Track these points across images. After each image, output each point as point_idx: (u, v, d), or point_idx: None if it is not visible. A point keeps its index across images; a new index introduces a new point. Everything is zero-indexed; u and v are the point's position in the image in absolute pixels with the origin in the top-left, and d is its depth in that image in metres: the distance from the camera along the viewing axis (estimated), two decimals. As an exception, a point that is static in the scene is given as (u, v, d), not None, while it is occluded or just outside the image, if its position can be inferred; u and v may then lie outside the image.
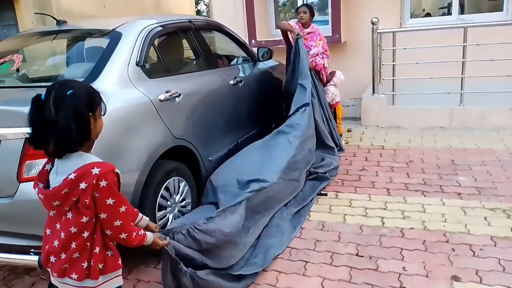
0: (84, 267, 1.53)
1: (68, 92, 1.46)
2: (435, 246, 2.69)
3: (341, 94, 6.49)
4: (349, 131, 5.39)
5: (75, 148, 1.49)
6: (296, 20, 4.70)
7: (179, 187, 2.91)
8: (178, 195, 2.90)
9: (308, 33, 4.63)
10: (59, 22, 3.27)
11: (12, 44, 3.43)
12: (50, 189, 1.51)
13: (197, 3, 21.78)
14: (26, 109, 2.15)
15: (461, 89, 5.11)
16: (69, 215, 1.51)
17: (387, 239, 2.81)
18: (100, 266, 1.55)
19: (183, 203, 2.96)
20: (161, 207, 2.72)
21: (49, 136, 1.46)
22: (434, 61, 5.15)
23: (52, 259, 1.56)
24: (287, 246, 2.81)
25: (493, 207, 3.15)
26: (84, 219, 1.49)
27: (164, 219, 2.76)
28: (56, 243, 1.54)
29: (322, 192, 3.60)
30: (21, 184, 2.19)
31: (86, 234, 1.51)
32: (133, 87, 2.65)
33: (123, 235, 1.57)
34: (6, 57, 2.98)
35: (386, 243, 2.77)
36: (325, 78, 4.79)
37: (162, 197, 2.72)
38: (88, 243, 1.53)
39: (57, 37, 3.26)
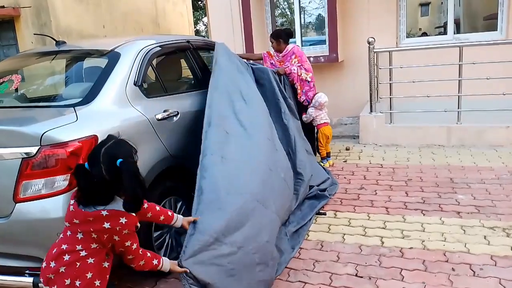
0: (66, 283, 1.64)
1: (119, 162, 1.67)
2: (435, 266, 2.66)
3: (339, 112, 6.59)
4: (347, 149, 5.39)
5: (141, 204, 1.79)
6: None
7: (176, 207, 2.89)
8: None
9: (283, 56, 4.77)
10: (58, 43, 3.30)
11: (12, 64, 3.45)
12: (82, 209, 1.69)
13: (196, 23, 22.07)
14: (24, 129, 2.19)
15: (458, 107, 5.14)
16: (80, 235, 1.69)
17: (387, 259, 2.78)
18: None
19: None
20: (158, 227, 2.69)
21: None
22: (430, 80, 5.20)
23: (43, 264, 1.71)
24: (286, 267, 2.78)
25: (493, 225, 3.13)
26: (94, 245, 1.70)
27: (161, 239, 2.73)
28: (54, 250, 1.71)
29: (321, 211, 3.58)
30: (17, 204, 2.18)
31: (83, 254, 1.68)
32: (130, 107, 2.66)
33: (141, 262, 1.86)
34: (5, 77, 3.00)
35: (385, 263, 2.74)
36: (299, 88, 4.69)
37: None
38: (79, 263, 1.66)
39: (56, 57, 3.29)
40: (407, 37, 6.53)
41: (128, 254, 1.81)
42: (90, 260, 1.68)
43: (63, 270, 1.65)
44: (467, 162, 4.54)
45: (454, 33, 6.26)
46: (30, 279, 2.20)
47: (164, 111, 2.88)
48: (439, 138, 5.22)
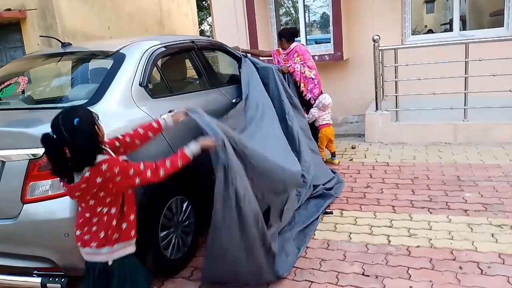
0: (101, 236, 1.86)
1: (75, 121, 1.76)
2: (442, 264, 2.65)
3: (344, 110, 6.58)
4: (353, 148, 5.38)
5: (94, 160, 1.80)
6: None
7: (182, 206, 2.90)
8: (181, 215, 2.89)
9: (286, 54, 4.87)
10: (64, 45, 3.32)
11: (18, 66, 3.48)
12: (72, 184, 1.82)
13: (200, 23, 22.11)
14: (31, 130, 2.20)
15: (465, 105, 5.11)
16: (91, 202, 1.85)
17: (393, 258, 2.78)
18: (116, 236, 1.89)
19: (186, 223, 2.95)
20: (164, 227, 2.70)
21: (66, 161, 1.78)
22: (436, 77, 5.17)
23: (77, 232, 1.90)
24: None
25: (500, 223, 3.11)
26: (108, 199, 1.85)
27: (168, 239, 2.74)
28: (81, 220, 1.90)
29: (327, 210, 3.58)
30: (25, 205, 2.20)
31: (105, 210, 1.86)
32: (136, 107, 2.67)
33: (161, 172, 2.00)
34: (11, 79, 3.02)
35: (392, 262, 2.73)
36: (302, 86, 4.71)
37: (165, 217, 2.71)
38: (105, 218, 1.87)
39: (62, 59, 3.31)
40: (412, 34, 6.50)
41: (142, 179, 1.92)
42: (113, 210, 1.88)
43: (95, 228, 1.86)
44: (474, 160, 4.51)
45: (460, 30, 6.23)
46: (38, 280, 2.23)
47: (170, 111, 2.89)
48: (445, 136, 5.19)
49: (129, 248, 1.96)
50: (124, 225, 1.92)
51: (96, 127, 1.85)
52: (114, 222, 1.89)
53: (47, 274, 2.25)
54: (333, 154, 4.86)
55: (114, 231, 1.89)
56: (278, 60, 5.01)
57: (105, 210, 1.87)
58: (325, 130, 4.71)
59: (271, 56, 5.17)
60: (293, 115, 4.00)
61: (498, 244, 2.82)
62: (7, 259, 2.29)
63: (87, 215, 1.88)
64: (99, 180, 1.79)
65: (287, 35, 4.86)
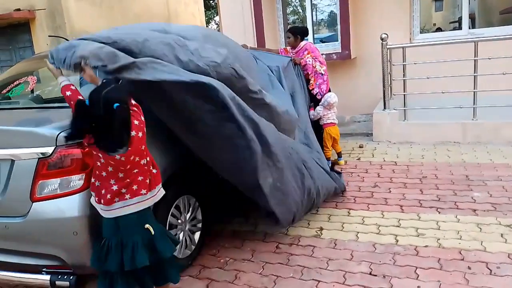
0: (134, 188, 2.06)
1: (115, 106, 1.86)
2: (450, 264, 2.63)
3: (352, 109, 6.55)
4: (360, 147, 5.35)
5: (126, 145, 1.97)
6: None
7: (189, 205, 2.91)
8: (188, 213, 2.90)
9: (296, 52, 4.87)
10: (72, 44, 3.33)
11: (27, 66, 3.52)
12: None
13: (208, 22, 22.13)
14: (40, 129, 2.22)
15: (474, 103, 5.06)
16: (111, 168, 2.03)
17: (401, 257, 2.76)
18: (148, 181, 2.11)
19: (193, 221, 2.96)
20: (172, 226, 2.72)
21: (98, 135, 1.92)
22: (445, 76, 5.13)
23: (114, 187, 2.03)
24: (298, 265, 2.78)
25: (510, 223, 3.08)
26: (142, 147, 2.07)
27: (175, 236, 2.75)
28: (111, 181, 2.04)
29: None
30: (34, 203, 2.22)
31: (128, 167, 2.02)
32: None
33: None
34: (21, 79, 3.05)
35: (400, 262, 2.71)
36: (313, 81, 4.73)
37: (173, 215, 2.72)
38: (136, 170, 2.05)
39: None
40: (421, 32, 6.44)
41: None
42: (143, 161, 2.08)
43: (129, 180, 2.04)
44: (483, 159, 4.47)
45: (469, 28, 6.16)
46: (47, 277, 2.25)
47: None
48: (454, 135, 5.14)
49: (162, 191, 2.27)
50: (154, 170, 2.21)
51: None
52: (141, 178, 2.11)
53: (56, 271, 2.28)
54: (339, 155, 4.83)
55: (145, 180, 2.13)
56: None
57: (128, 167, 2.04)
58: (329, 129, 4.65)
59: (278, 54, 5.09)
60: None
61: (507, 244, 2.80)
62: (17, 257, 2.32)
63: (121, 174, 2.03)
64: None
65: (300, 32, 4.89)
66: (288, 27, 5.25)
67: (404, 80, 5.38)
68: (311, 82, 4.74)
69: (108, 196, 2.03)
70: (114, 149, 1.93)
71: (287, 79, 4.17)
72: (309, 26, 6.89)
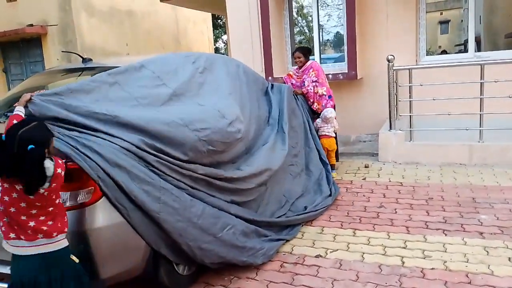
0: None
1: (29, 147, 1.82)
2: (457, 287, 2.60)
3: (358, 129, 6.57)
4: (366, 167, 5.35)
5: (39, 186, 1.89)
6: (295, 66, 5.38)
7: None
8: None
9: (302, 71, 5.17)
10: (84, 60, 3.41)
11: (39, 80, 3.58)
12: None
13: (215, 41, 22.43)
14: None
15: (480, 126, 5.06)
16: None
17: (407, 280, 2.73)
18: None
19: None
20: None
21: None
22: (451, 98, 5.15)
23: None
24: (303, 285, 2.76)
25: (517, 247, 3.05)
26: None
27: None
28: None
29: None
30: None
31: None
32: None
33: None
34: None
35: (406, 284, 2.69)
36: (315, 105, 5.02)
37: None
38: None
39: (82, 74, 3.39)
40: (426, 55, 6.50)
41: None
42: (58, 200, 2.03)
43: (45, 218, 1.97)
44: (490, 182, 4.45)
45: (475, 51, 6.21)
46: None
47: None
48: (460, 157, 5.13)
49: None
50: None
51: (45, 157, 1.90)
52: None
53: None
54: (332, 167, 4.93)
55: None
56: (292, 83, 5.18)
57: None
58: (323, 141, 4.88)
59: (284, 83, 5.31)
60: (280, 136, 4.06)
61: (515, 269, 2.77)
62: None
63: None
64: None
65: (307, 52, 5.21)
66: (296, 48, 5.42)
67: (410, 101, 5.41)
68: (317, 106, 5.02)
69: (29, 231, 1.94)
70: (30, 190, 1.87)
71: (290, 106, 4.43)
72: (316, 46, 6.99)
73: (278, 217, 3.55)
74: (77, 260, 2.07)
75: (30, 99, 2.28)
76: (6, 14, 10.77)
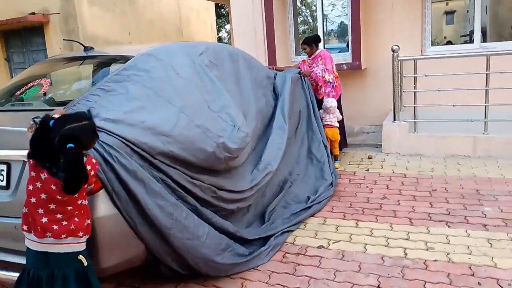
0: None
1: (68, 146, 1.77)
2: (460, 280, 2.59)
3: (361, 120, 6.54)
4: (369, 158, 5.33)
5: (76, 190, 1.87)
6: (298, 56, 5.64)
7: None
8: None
9: (312, 59, 5.38)
10: (86, 48, 3.38)
11: (41, 69, 3.56)
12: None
13: (218, 31, 22.30)
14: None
15: (485, 117, 5.02)
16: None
17: (410, 271, 2.72)
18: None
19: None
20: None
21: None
22: (456, 89, 5.10)
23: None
24: (305, 275, 2.76)
25: (521, 239, 3.03)
26: None
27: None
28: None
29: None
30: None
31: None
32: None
33: None
34: (35, 81, 3.09)
35: (408, 275, 2.68)
36: (322, 89, 5.17)
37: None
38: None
39: (83, 63, 3.37)
40: (431, 45, 6.43)
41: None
42: (80, 201, 1.99)
43: (61, 216, 1.92)
44: (494, 174, 4.42)
45: (481, 42, 6.14)
46: None
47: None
48: (465, 149, 5.10)
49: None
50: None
51: (83, 157, 1.87)
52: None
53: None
54: (335, 157, 5.00)
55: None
56: (304, 68, 5.37)
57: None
58: (325, 131, 4.89)
59: (299, 69, 5.43)
60: (281, 126, 4.03)
61: (519, 261, 2.75)
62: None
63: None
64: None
65: (314, 41, 5.36)
66: (301, 40, 5.52)
67: (414, 92, 5.36)
68: (321, 91, 5.16)
69: (39, 228, 1.90)
70: (69, 189, 1.82)
71: (295, 93, 4.48)
72: (320, 36, 6.91)
73: (282, 218, 3.55)
74: (85, 263, 2.00)
75: None
76: (8, 2, 10.71)
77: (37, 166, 1.88)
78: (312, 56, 5.33)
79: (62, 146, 1.77)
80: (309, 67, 5.35)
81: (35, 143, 1.85)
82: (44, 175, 1.85)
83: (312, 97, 4.89)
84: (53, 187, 1.85)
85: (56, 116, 1.89)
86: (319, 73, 5.10)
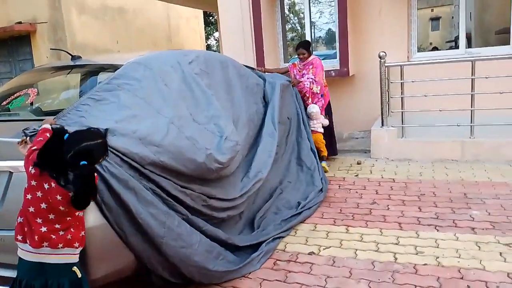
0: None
1: (82, 163, 1.76)
2: (449, 283, 2.61)
3: (350, 126, 6.60)
4: (358, 163, 5.36)
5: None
6: (296, 57, 5.50)
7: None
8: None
9: (304, 65, 5.34)
10: (74, 57, 3.37)
11: (28, 79, 3.53)
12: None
13: (207, 38, 22.34)
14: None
15: (471, 122, 5.09)
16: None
17: (400, 276, 2.74)
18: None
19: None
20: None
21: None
22: (443, 94, 5.17)
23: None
24: (296, 282, 2.76)
25: (509, 242, 3.06)
26: None
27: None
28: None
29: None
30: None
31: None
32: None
33: None
34: (21, 91, 3.06)
35: (399, 280, 2.69)
36: (309, 100, 5.21)
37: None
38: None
39: (71, 72, 3.35)
40: (418, 51, 6.52)
41: None
42: (78, 213, 2.00)
43: (59, 226, 1.93)
44: (481, 177, 4.48)
45: (466, 47, 6.24)
46: None
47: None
48: (452, 153, 5.16)
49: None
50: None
51: (94, 174, 1.86)
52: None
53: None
54: (321, 158, 5.05)
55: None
56: (294, 72, 5.41)
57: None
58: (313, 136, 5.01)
59: (288, 71, 5.55)
60: (271, 133, 4.03)
61: (506, 263, 2.78)
62: (13, 271, 2.28)
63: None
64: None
65: (309, 47, 5.37)
66: (298, 44, 5.47)
67: (402, 97, 5.42)
68: (308, 102, 5.21)
69: (36, 237, 1.89)
70: (79, 204, 1.81)
71: (284, 100, 4.51)
72: (309, 43, 6.97)
73: (274, 224, 3.56)
74: (79, 274, 1.98)
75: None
76: (-6, 12, 10.62)
77: (42, 175, 1.86)
78: (305, 62, 5.31)
79: (75, 162, 1.77)
80: (299, 72, 5.36)
81: (45, 153, 1.84)
82: (50, 185, 1.85)
83: (301, 105, 4.95)
84: (59, 197, 1.84)
85: (71, 130, 1.91)
86: (307, 84, 5.14)
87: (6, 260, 2.29)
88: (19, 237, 1.95)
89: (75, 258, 1.99)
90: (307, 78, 5.16)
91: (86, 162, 1.77)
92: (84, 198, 1.80)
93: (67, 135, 1.86)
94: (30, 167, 1.89)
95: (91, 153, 1.83)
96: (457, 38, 6.59)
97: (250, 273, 2.91)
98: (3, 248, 2.26)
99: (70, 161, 1.78)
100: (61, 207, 1.86)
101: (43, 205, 1.87)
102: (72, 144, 1.82)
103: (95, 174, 1.96)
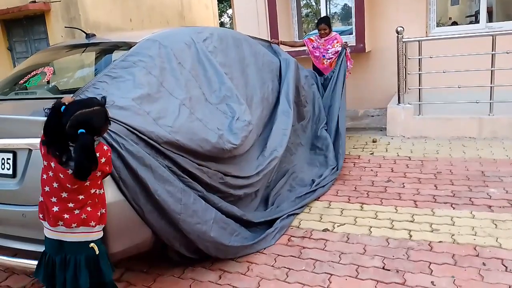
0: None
1: (80, 131, 1.76)
2: (465, 260, 2.60)
3: (365, 103, 6.52)
4: (374, 141, 5.31)
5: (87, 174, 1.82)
6: (317, 32, 5.37)
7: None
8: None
9: (325, 40, 5.26)
10: (88, 36, 3.36)
11: (44, 57, 3.55)
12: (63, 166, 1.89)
13: (220, 15, 22.09)
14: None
15: (491, 99, 4.97)
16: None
17: (415, 252, 2.74)
18: None
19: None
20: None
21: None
22: (461, 70, 5.05)
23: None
24: (311, 258, 2.78)
25: (526, 220, 3.03)
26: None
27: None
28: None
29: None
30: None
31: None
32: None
33: None
34: (38, 70, 3.08)
35: (413, 257, 2.69)
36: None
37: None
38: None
39: (86, 50, 3.35)
40: (437, 26, 6.35)
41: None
42: (93, 190, 1.97)
43: (73, 205, 1.93)
44: (500, 155, 4.40)
45: (487, 22, 6.04)
46: None
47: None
48: (470, 130, 5.07)
49: None
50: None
51: (94, 144, 1.84)
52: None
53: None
54: None
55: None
56: (313, 47, 5.32)
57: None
58: None
59: (304, 46, 5.47)
60: (285, 111, 4.00)
61: (524, 241, 2.76)
62: (34, 245, 2.34)
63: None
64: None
65: (330, 23, 5.33)
66: (319, 20, 5.38)
67: (419, 74, 5.31)
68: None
69: (51, 217, 1.92)
70: (79, 173, 1.79)
71: (298, 76, 4.43)
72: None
73: (290, 200, 3.58)
74: (97, 251, 1.99)
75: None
76: (8, -9, 10.63)
77: (48, 154, 1.88)
78: (326, 38, 5.22)
79: (74, 132, 1.77)
80: (323, 46, 5.25)
81: (47, 129, 1.85)
82: (56, 163, 1.87)
83: (317, 87, 4.86)
84: (61, 175, 1.86)
85: (67, 101, 1.88)
86: (331, 57, 5.16)
87: (28, 235, 2.35)
88: (41, 216, 2.01)
89: (94, 236, 2.00)
90: (333, 52, 5.11)
91: (84, 130, 1.76)
92: (82, 167, 1.78)
93: (63, 107, 1.84)
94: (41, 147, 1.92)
95: (88, 120, 1.81)
96: (477, 12, 6.37)
97: (265, 248, 2.95)
98: (25, 224, 2.32)
99: (69, 132, 1.78)
100: (67, 185, 1.87)
101: (55, 184, 1.89)
102: (69, 113, 1.80)
103: (105, 147, 1.96)
